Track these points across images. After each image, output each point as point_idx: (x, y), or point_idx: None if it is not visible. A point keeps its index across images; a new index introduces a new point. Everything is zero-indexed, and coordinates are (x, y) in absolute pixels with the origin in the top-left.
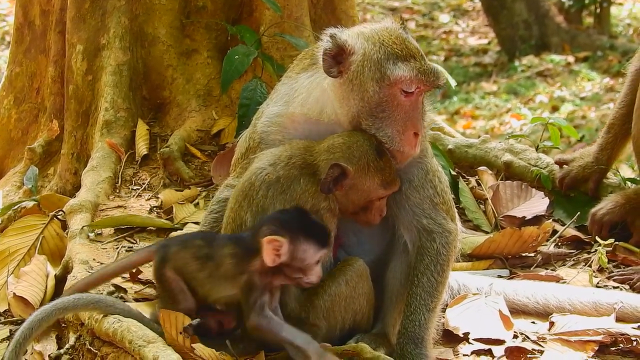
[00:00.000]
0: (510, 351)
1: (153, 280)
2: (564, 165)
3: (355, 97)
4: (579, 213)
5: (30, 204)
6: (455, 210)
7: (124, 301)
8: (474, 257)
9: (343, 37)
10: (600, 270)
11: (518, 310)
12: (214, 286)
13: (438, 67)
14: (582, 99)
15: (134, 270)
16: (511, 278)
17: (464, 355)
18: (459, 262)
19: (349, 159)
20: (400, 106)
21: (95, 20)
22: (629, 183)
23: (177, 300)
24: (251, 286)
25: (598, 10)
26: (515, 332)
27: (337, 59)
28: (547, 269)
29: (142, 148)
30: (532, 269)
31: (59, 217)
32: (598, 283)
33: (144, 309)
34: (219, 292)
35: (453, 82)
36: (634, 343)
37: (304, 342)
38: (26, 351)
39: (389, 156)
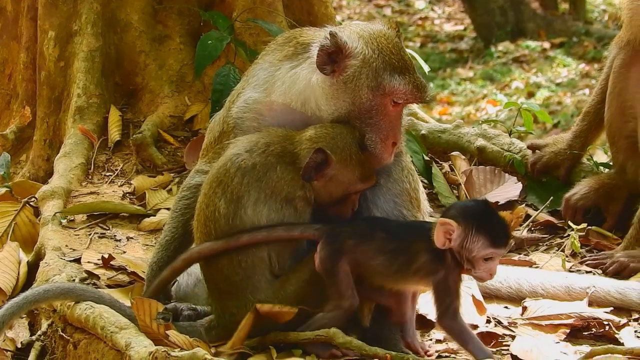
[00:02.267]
0: (482, 336)
1: (319, 271)
2: (537, 151)
3: (346, 99)
4: (552, 198)
5: (2, 190)
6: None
7: (97, 287)
8: None
9: (344, 38)
10: (573, 254)
11: (491, 295)
12: (401, 280)
13: (425, 81)
14: (557, 84)
15: (106, 257)
16: None
17: (436, 340)
18: None
19: (333, 149)
20: (387, 115)
21: (67, 6)
22: (602, 168)
23: (344, 296)
24: (447, 288)
25: None
26: (488, 317)
27: (333, 57)
28: (520, 253)
29: (114, 134)
30: (505, 253)
31: (31, 203)
32: (571, 268)
33: (117, 296)
34: (405, 285)
35: (426, 68)
36: (606, 327)
37: (484, 357)
38: None
39: (369, 151)
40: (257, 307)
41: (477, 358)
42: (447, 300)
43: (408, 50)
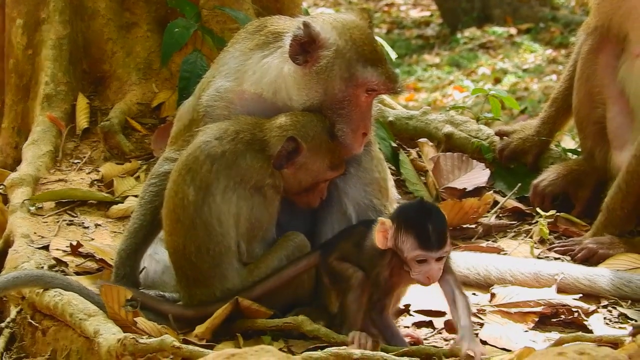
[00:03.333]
0: (449, 324)
1: (326, 283)
2: (504, 137)
3: (319, 90)
4: (519, 184)
5: None
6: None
7: (65, 275)
8: None
9: (317, 29)
10: (542, 241)
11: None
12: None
13: (398, 71)
14: (524, 70)
15: (74, 244)
16: (452, 250)
17: (405, 327)
18: None
19: (304, 137)
20: (358, 106)
21: None
22: (570, 154)
23: (347, 276)
24: (377, 284)
25: None
26: None
27: (306, 47)
28: (488, 240)
29: (82, 122)
30: (473, 240)
31: None
32: (539, 254)
33: (86, 283)
34: None
35: (393, 55)
36: (575, 314)
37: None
38: None
39: (338, 140)
40: (239, 300)
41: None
42: (376, 296)
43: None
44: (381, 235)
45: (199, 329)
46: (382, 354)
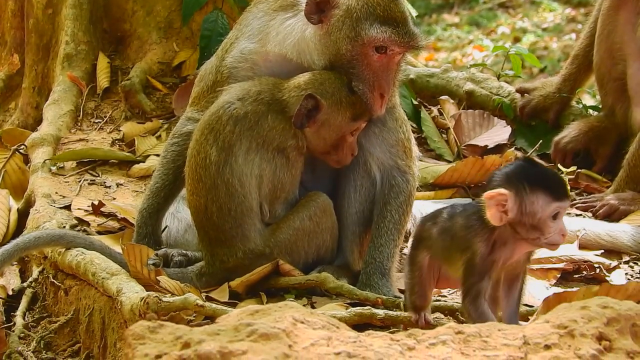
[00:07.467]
0: None
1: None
2: (525, 94)
3: (332, 51)
4: (541, 141)
5: None
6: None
7: (87, 234)
8: (436, 186)
9: None
10: None
11: None
12: (458, 264)
13: (418, 30)
14: (544, 29)
15: (96, 203)
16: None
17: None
18: (421, 191)
19: (322, 94)
20: (370, 66)
21: None
22: (591, 111)
23: (411, 291)
24: (472, 266)
25: None
26: None
27: (321, 7)
28: None
29: (103, 81)
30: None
31: (20, 151)
32: None
33: (108, 242)
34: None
35: (414, 12)
36: (597, 270)
37: None
38: None
39: (358, 94)
40: (280, 263)
41: None
42: (469, 282)
43: None
44: (496, 209)
45: (234, 283)
46: (407, 314)
